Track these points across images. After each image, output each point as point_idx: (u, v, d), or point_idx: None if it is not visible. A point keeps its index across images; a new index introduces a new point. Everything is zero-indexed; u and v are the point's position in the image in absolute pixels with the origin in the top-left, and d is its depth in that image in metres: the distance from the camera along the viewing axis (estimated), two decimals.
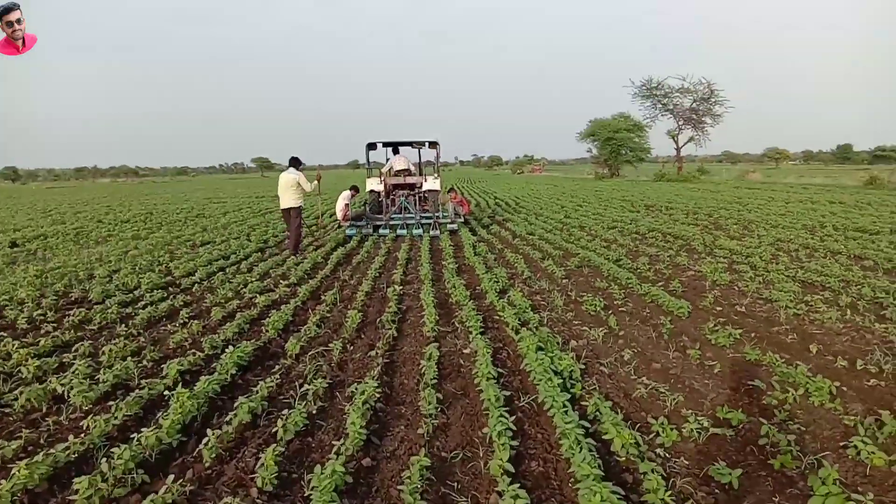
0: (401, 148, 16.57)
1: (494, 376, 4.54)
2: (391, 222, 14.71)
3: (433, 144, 15.96)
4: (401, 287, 8.35)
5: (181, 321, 6.76)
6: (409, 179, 16.06)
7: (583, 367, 4.96)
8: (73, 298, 7.92)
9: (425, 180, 15.76)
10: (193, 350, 5.46)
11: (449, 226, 14.56)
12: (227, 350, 5.16)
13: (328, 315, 7.01)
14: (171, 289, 8.60)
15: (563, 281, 8.66)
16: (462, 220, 15.62)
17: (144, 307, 7.29)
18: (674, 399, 4.30)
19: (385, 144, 16.14)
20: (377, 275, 9.41)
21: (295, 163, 11.87)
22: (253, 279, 9.09)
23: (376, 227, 14.56)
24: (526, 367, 4.85)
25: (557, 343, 5.53)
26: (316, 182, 12.59)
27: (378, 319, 6.69)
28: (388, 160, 16.83)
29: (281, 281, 8.93)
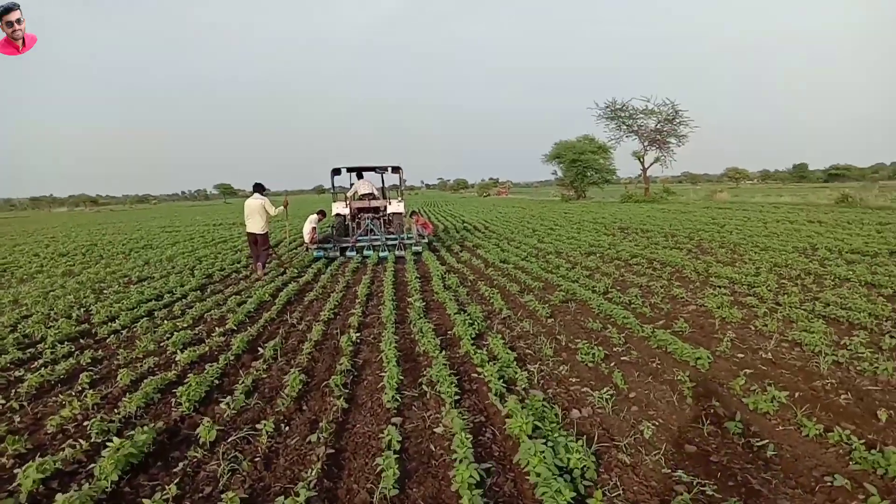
0: (365, 173, 17.11)
1: (477, 480, 3.27)
2: (357, 244, 14.85)
3: (396, 169, 16.44)
4: (357, 333, 7.07)
5: (79, 388, 5.42)
6: (374, 203, 16.54)
7: (594, 454, 3.73)
8: None
9: (389, 203, 16.38)
10: (73, 439, 4.13)
11: (414, 247, 14.74)
12: (112, 442, 3.74)
13: (264, 377, 5.66)
14: (82, 340, 7.23)
15: (549, 321, 7.47)
16: (426, 241, 15.72)
17: (39, 368, 5.92)
18: None
19: (349, 169, 16.62)
20: (331, 316, 8.14)
21: (259, 188, 11.96)
22: (183, 325, 7.79)
23: (343, 250, 14.73)
24: (519, 462, 3.57)
25: (556, 417, 4.29)
26: (283, 207, 12.40)
27: (325, 382, 5.34)
28: (352, 185, 17.28)
29: (216, 327, 7.61)
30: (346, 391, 5.12)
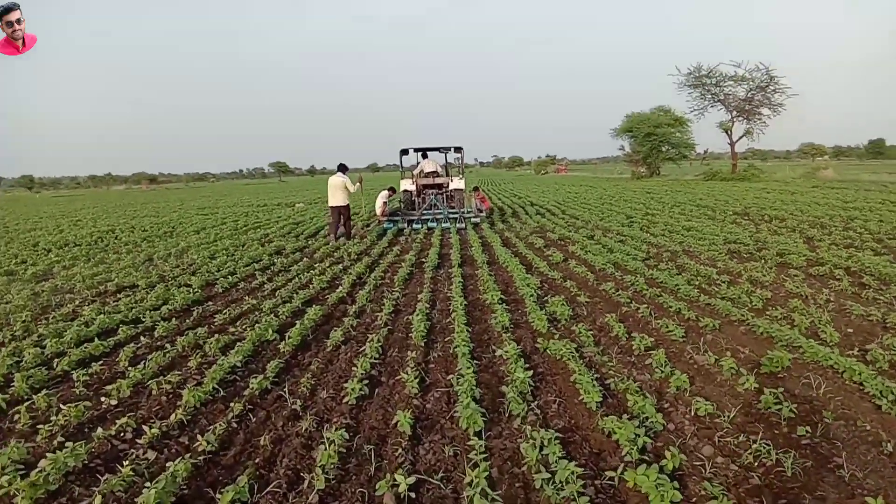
0: (429, 152, 18.54)
1: None
2: (422, 217, 16.26)
3: (458, 149, 18.03)
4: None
5: None
6: (438, 180, 18.00)
7: None
8: None
9: (451, 180, 17.64)
10: None
11: (473, 219, 16.20)
12: None
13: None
14: None
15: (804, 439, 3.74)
16: (484, 214, 17.19)
17: None
18: None
19: (416, 150, 18.08)
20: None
21: (342, 168, 13.83)
22: (140, 374, 4.88)
23: (410, 222, 16.08)
24: None
25: None
26: (359, 184, 14.59)
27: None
28: (418, 163, 18.89)
29: (184, 384, 4.54)
30: None
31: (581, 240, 11.86)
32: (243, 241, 14.04)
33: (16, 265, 11.64)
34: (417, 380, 4.58)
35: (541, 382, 4.63)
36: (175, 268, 10.53)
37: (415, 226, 15.76)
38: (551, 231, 13.86)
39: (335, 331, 6.14)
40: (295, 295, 7.88)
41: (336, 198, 13.31)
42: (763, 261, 9.14)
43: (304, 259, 11.15)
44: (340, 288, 8.24)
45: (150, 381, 4.76)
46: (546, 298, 7.12)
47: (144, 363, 5.17)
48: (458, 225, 15.37)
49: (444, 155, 19.10)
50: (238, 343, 5.65)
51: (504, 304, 6.75)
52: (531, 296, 7.06)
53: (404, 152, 17.74)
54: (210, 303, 7.92)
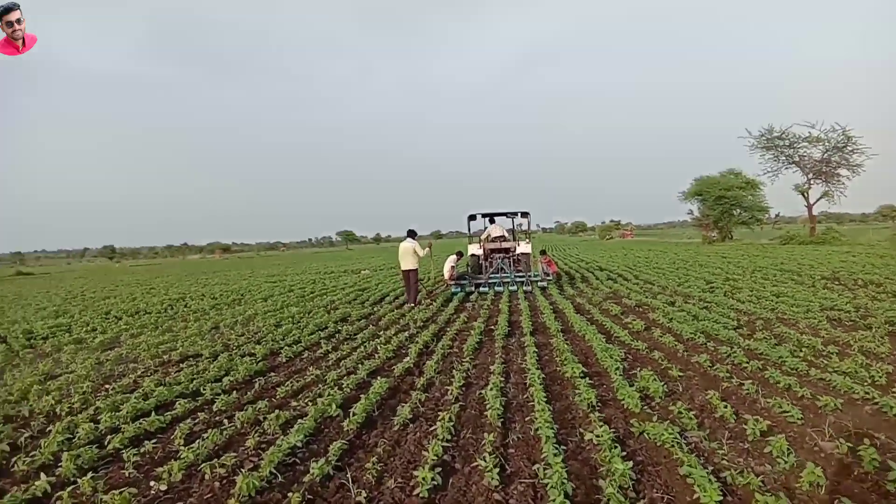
0: (496, 217, 18.60)
1: None
2: (490, 280, 16.02)
3: (524, 214, 18.32)
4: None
5: None
6: (504, 244, 18.18)
7: None
8: None
9: (518, 245, 17.91)
10: None
11: (539, 283, 15.82)
12: None
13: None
14: None
15: None
16: (551, 278, 16.47)
17: None
18: None
19: (484, 215, 18.25)
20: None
21: (412, 234, 14.26)
22: (194, 454, 4.47)
23: (477, 286, 15.93)
24: None
25: None
26: (428, 249, 14.68)
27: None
28: (485, 228, 18.95)
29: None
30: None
31: (661, 306, 11.09)
32: (309, 308, 13.83)
33: (86, 333, 11.70)
34: (497, 468, 4.01)
35: (642, 475, 3.97)
36: (240, 336, 10.34)
37: (482, 289, 15.64)
38: (626, 297, 13.09)
39: (402, 406, 5.66)
40: (360, 365, 7.46)
41: (406, 262, 13.67)
42: (871, 329, 8.23)
43: (370, 326, 10.78)
44: (407, 358, 7.77)
45: (203, 465, 4.35)
46: (633, 372, 6.45)
47: (200, 442, 4.79)
48: (524, 288, 15.39)
49: (511, 220, 19.41)
50: (299, 420, 5.23)
51: (586, 379, 6.09)
52: (616, 369, 6.42)
53: (472, 217, 18.07)
54: (273, 373, 7.59)
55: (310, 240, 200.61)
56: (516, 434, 4.88)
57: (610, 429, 4.53)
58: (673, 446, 4.18)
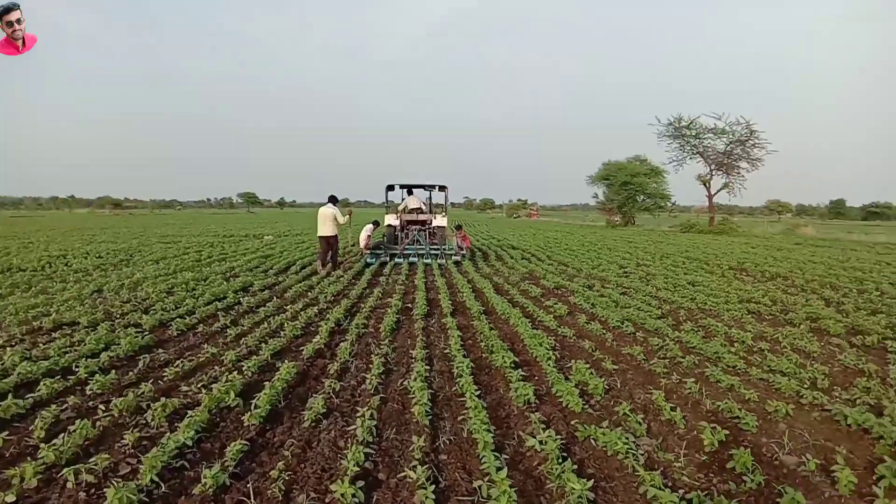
0: (414, 189, 19.34)
1: None
2: (405, 252, 16.42)
3: (442, 188, 18.70)
4: None
5: None
6: (421, 216, 18.58)
7: None
8: None
9: (435, 217, 18.32)
10: None
11: (454, 257, 16.28)
12: None
13: None
14: None
15: None
16: (465, 253, 17.18)
17: None
18: None
19: (402, 186, 18.74)
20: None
21: (333, 199, 14.22)
22: (56, 453, 3.58)
23: (392, 256, 16.25)
24: None
25: None
26: (348, 216, 14.62)
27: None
28: (403, 199, 19.61)
29: None
30: None
31: (580, 290, 10.81)
32: (206, 274, 12.67)
33: None
34: (430, 481, 3.39)
35: (597, 492, 3.45)
36: (125, 303, 9.20)
37: (397, 259, 16.00)
38: (543, 278, 12.75)
39: (314, 397, 4.95)
40: (263, 344, 6.63)
41: (326, 228, 13.62)
42: (795, 325, 8.18)
43: (274, 298, 9.90)
44: (317, 338, 6.99)
45: (66, 469, 3.49)
46: (566, 364, 6.00)
47: (65, 437, 3.90)
48: (438, 262, 15.48)
49: (428, 192, 19.47)
50: (189, 410, 4.43)
51: (518, 370, 5.56)
52: (547, 358, 5.94)
53: (390, 188, 18.51)
54: (161, 350, 6.63)
55: (208, 200, 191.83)
56: (447, 436, 4.26)
57: (554, 434, 4.00)
58: (627, 457, 3.71)
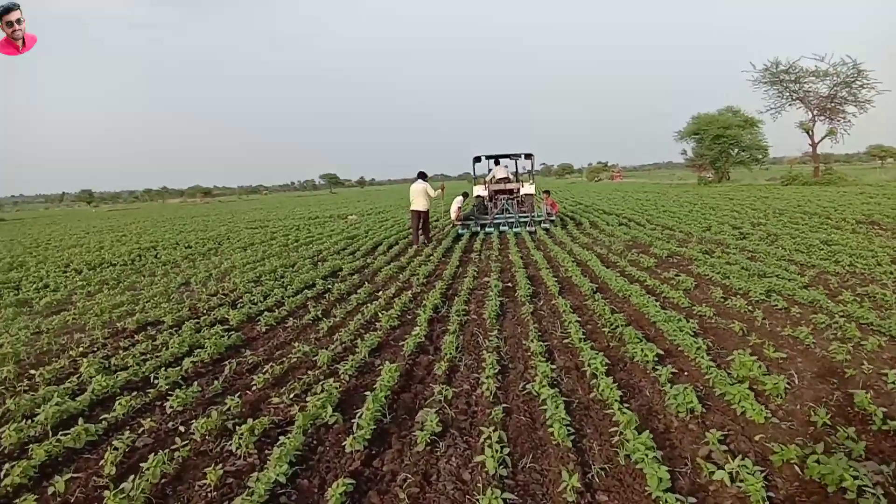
0: (501, 159, 18.99)
1: None
2: (494, 221, 16.49)
3: (528, 156, 18.48)
4: None
5: None
6: (509, 186, 18.24)
7: None
8: None
9: (522, 186, 18.16)
10: None
11: (543, 224, 16.38)
12: None
13: None
14: None
15: None
16: (553, 218, 17.13)
17: None
18: None
19: (488, 157, 18.78)
20: None
21: (422, 176, 14.35)
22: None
23: (482, 226, 16.26)
24: None
25: None
26: (440, 190, 15.16)
27: None
28: (489, 170, 19.44)
29: None
30: None
31: (701, 257, 9.61)
32: (294, 259, 12.20)
33: (35, 291, 10.04)
34: None
35: None
36: (212, 296, 8.73)
37: (487, 229, 16.05)
38: (652, 245, 11.54)
39: (421, 405, 4.17)
40: (359, 340, 5.90)
41: (418, 203, 13.82)
42: None
43: (366, 283, 9.23)
44: (416, 329, 6.19)
45: None
46: (719, 353, 4.96)
47: (136, 478, 3.23)
48: (528, 229, 15.83)
49: (514, 161, 19.53)
50: (280, 432, 3.72)
51: (665, 367, 4.55)
52: (696, 347, 4.90)
53: (477, 159, 18.64)
54: (248, 350, 6.02)
55: (292, 183, 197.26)
56: (599, 463, 3.32)
57: (741, 460, 3.01)
58: (864, 495, 2.69)
